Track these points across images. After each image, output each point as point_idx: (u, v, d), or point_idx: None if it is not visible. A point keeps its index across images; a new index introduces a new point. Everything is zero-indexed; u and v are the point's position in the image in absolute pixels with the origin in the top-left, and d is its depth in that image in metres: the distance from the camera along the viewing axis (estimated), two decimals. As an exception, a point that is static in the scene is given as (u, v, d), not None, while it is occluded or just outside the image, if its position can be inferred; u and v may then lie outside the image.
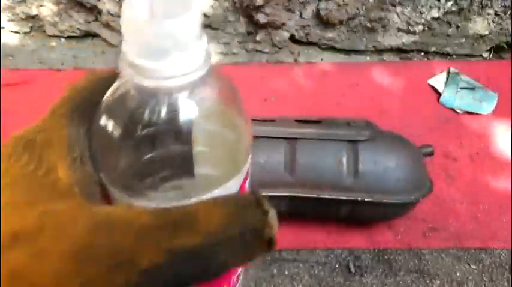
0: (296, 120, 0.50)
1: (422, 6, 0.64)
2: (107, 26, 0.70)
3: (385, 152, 0.48)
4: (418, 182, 0.49)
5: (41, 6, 0.69)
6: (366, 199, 0.47)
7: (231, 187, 0.19)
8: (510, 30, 0.67)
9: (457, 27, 0.68)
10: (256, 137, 0.47)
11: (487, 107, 0.66)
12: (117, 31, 0.71)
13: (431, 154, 0.52)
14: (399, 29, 0.68)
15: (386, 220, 0.54)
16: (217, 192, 0.18)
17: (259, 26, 0.68)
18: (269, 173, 0.47)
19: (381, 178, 0.47)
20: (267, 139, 0.47)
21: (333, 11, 0.65)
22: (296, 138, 0.47)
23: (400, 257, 0.56)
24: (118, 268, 0.15)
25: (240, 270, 0.25)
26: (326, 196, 0.47)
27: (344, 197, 0.47)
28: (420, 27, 0.67)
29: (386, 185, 0.47)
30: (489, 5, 0.64)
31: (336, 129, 0.48)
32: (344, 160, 0.47)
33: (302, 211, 0.51)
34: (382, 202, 0.47)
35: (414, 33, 0.69)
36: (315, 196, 0.47)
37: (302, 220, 0.54)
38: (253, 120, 0.48)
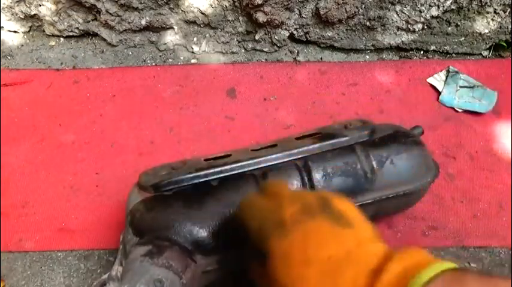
0: (296, 138, 0.50)
1: (421, 5, 0.64)
2: (106, 25, 0.70)
3: (392, 144, 0.48)
4: (427, 163, 0.49)
5: (40, 5, 0.68)
6: (390, 195, 0.46)
7: None
8: (510, 28, 0.67)
9: (457, 25, 0.68)
10: (268, 167, 0.46)
11: (486, 106, 0.66)
12: (116, 30, 0.71)
13: (422, 133, 0.53)
14: (398, 28, 0.68)
15: (407, 209, 0.55)
16: None
17: (259, 25, 0.68)
18: None
19: (395, 170, 0.47)
20: (278, 168, 0.46)
21: (332, 9, 0.65)
22: (306, 157, 0.47)
23: (399, 256, 0.56)
24: None
25: None
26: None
27: (370, 200, 0.46)
28: (419, 25, 0.67)
29: (403, 174, 0.47)
30: (488, 4, 0.64)
31: (338, 137, 0.48)
32: (357, 164, 0.46)
33: None
34: (405, 192, 0.47)
35: (413, 31, 0.68)
36: None
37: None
38: (257, 150, 0.48)
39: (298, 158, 0.47)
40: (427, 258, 0.29)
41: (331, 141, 0.47)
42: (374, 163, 0.47)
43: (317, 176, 0.46)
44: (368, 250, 0.31)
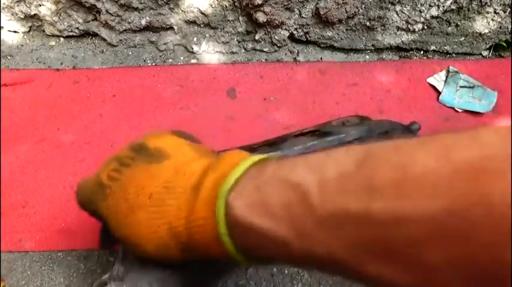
0: (294, 136, 0.50)
1: (421, 5, 0.64)
2: (106, 25, 0.70)
3: (390, 140, 0.48)
4: None
5: (40, 5, 0.68)
6: None
7: None
8: (510, 28, 0.67)
9: (457, 25, 0.68)
10: None
11: (486, 106, 0.66)
12: (116, 30, 0.71)
13: (419, 129, 0.53)
14: (398, 28, 0.68)
15: None
16: None
17: (259, 25, 0.68)
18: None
19: None
20: None
21: (332, 9, 0.65)
22: (303, 154, 0.47)
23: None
24: None
25: None
26: None
27: None
28: (419, 25, 0.67)
29: None
30: (488, 4, 0.64)
31: (336, 134, 0.48)
32: None
33: None
34: None
35: (413, 31, 0.69)
36: None
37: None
38: (256, 148, 0.48)
39: (299, 154, 0.47)
40: (238, 158, 0.29)
41: (329, 139, 0.47)
42: None
43: None
44: (186, 172, 0.30)
